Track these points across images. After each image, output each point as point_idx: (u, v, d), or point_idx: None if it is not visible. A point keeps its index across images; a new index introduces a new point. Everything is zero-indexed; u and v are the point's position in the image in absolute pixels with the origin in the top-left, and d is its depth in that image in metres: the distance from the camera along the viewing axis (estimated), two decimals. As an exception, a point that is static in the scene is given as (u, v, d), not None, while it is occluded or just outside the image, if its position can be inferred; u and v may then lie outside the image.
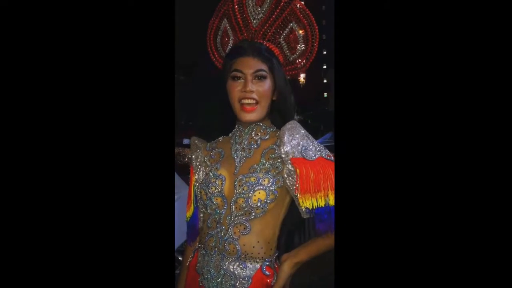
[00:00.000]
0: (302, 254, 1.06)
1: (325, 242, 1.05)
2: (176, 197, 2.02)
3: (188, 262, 1.17)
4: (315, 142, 1.07)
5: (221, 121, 1.19)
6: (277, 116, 1.14)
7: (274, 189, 1.05)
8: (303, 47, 1.15)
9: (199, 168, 1.16)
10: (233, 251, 1.05)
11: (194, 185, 1.17)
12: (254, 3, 1.15)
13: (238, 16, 1.15)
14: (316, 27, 1.15)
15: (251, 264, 1.05)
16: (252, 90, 1.06)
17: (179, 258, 2.51)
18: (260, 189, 1.04)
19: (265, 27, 1.14)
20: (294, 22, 1.15)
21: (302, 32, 1.15)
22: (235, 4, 1.16)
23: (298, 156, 1.02)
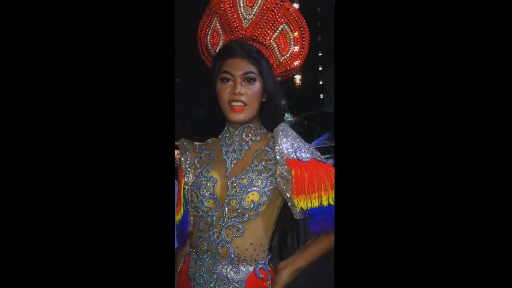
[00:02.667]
0: (299, 261, 1.07)
1: (320, 246, 1.06)
2: None
3: (179, 268, 1.15)
4: (306, 144, 1.08)
5: (211, 123, 1.18)
6: (266, 117, 1.13)
7: (267, 191, 1.05)
8: (294, 49, 1.15)
9: (189, 171, 1.15)
10: (225, 254, 1.04)
11: (184, 188, 1.16)
12: (245, 4, 1.14)
13: (229, 16, 1.14)
14: (307, 28, 1.15)
15: (244, 267, 1.05)
16: (241, 93, 1.06)
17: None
18: (254, 190, 1.04)
19: (256, 28, 1.14)
20: (285, 24, 1.15)
21: (293, 34, 1.15)
22: (226, 3, 1.15)
23: (293, 157, 1.03)
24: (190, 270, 1.10)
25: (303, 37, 1.15)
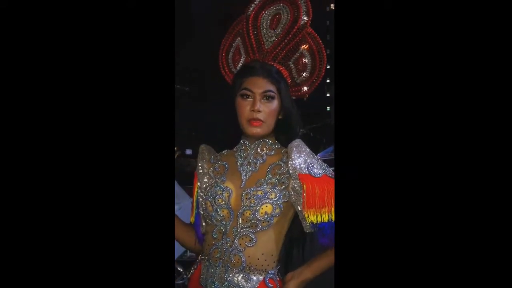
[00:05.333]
0: (306, 273, 1.10)
1: (328, 259, 1.09)
2: (176, 207, 2.01)
3: (190, 273, 1.18)
4: (320, 160, 1.12)
5: (226, 135, 1.22)
6: (281, 134, 1.17)
7: (281, 203, 1.08)
8: (310, 71, 1.20)
9: (202, 177, 1.19)
10: (237, 262, 1.08)
11: (197, 192, 1.20)
12: (268, 26, 1.21)
13: (252, 36, 1.20)
14: (325, 54, 1.20)
15: (255, 276, 1.08)
16: (259, 110, 1.10)
17: (179, 269, 2.50)
18: (267, 202, 1.07)
19: (277, 50, 1.19)
20: (304, 48, 1.19)
21: (311, 57, 1.20)
22: (249, 25, 1.21)
23: (305, 173, 1.07)
24: (201, 276, 1.13)
25: (320, 62, 1.20)
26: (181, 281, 2.42)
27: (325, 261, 1.10)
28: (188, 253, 2.94)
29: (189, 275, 1.19)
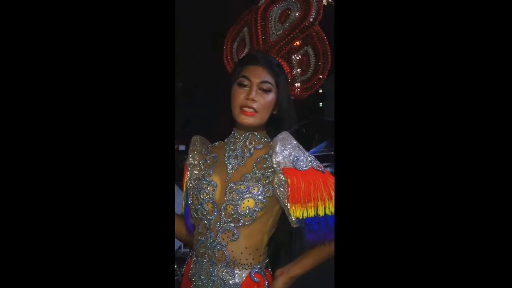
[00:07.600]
0: (296, 268, 1.09)
1: (317, 256, 1.08)
2: None
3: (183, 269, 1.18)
4: (306, 153, 1.09)
5: (219, 131, 1.21)
6: (273, 129, 1.15)
7: (263, 198, 1.07)
8: (313, 72, 1.19)
9: (193, 168, 1.19)
10: (221, 257, 1.07)
11: (187, 183, 1.19)
12: (276, 19, 1.19)
13: (259, 27, 1.19)
14: (330, 56, 1.18)
15: (239, 271, 1.07)
16: (254, 99, 1.08)
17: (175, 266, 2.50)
18: (249, 197, 1.06)
19: (282, 44, 1.18)
20: (309, 46, 1.19)
21: (316, 58, 1.19)
22: (258, 15, 1.19)
23: (290, 166, 1.05)
24: (190, 272, 1.13)
25: (324, 64, 1.19)
26: (175, 277, 2.43)
27: (314, 257, 1.08)
28: (182, 249, 2.94)
29: (182, 271, 1.19)
